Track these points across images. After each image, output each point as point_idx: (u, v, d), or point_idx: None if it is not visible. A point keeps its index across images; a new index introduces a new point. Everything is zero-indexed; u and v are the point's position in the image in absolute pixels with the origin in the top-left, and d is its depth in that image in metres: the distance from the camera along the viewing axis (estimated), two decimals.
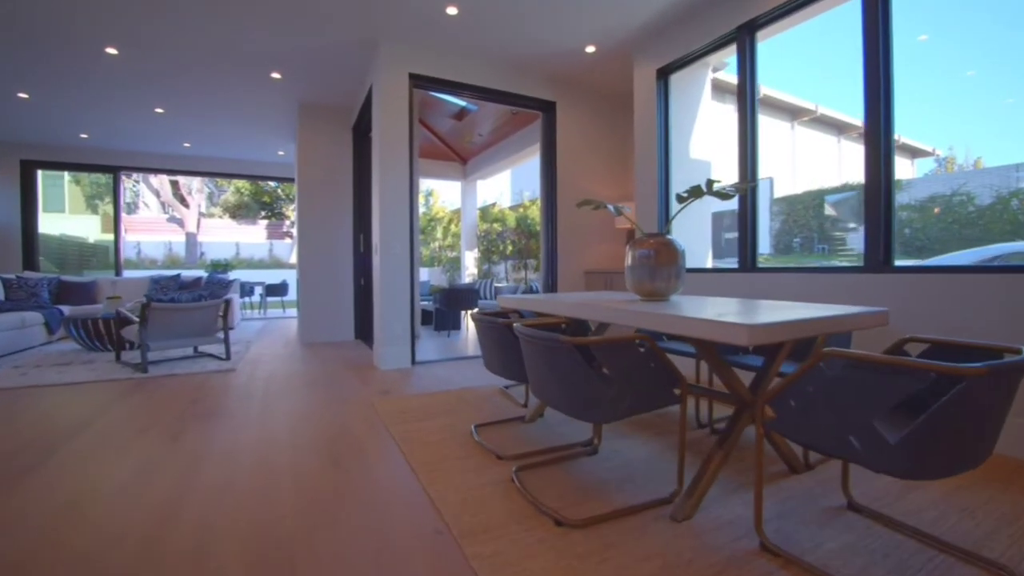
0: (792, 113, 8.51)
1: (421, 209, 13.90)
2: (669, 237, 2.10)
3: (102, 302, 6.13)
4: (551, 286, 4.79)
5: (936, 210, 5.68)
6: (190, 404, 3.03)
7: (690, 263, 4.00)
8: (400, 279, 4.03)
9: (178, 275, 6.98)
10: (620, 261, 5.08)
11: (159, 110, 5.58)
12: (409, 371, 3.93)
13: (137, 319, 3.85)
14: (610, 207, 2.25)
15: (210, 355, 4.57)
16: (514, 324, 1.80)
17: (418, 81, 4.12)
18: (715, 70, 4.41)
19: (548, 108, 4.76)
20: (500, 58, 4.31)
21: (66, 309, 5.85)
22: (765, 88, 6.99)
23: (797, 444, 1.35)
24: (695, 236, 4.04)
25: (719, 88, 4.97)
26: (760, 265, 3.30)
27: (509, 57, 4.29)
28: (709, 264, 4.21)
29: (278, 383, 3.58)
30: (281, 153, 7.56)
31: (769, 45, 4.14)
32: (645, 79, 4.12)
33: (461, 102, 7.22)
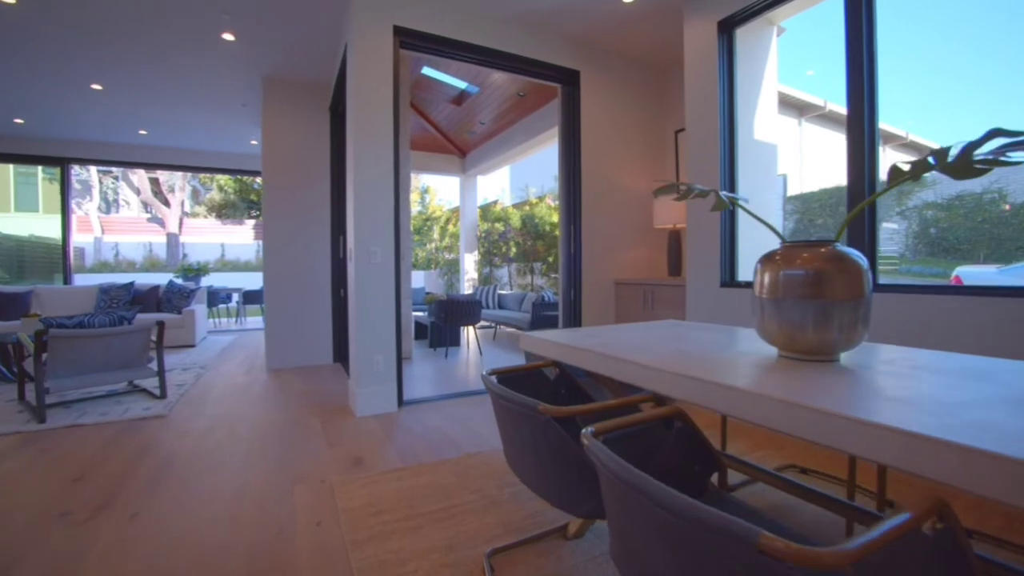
0: (799, 109, 7.91)
1: (416, 208, 12.93)
2: (843, 249, 1.16)
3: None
4: (574, 301, 3.84)
5: (1007, 207, 4.90)
6: (70, 486, 2.08)
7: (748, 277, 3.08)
8: (382, 295, 3.08)
9: (131, 283, 6.00)
10: (659, 269, 4.13)
11: (96, 86, 4.61)
12: (394, 418, 2.98)
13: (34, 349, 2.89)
14: (723, 195, 1.32)
15: (144, 391, 3.61)
16: (585, 433, 0.86)
17: (406, 38, 3.17)
18: (778, 33, 3.49)
19: (570, 79, 3.81)
20: (514, 11, 3.36)
21: None
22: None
23: None
24: (750, 237, 3.12)
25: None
26: (883, 282, 2.36)
27: (525, 10, 3.35)
28: None
29: (214, 443, 2.62)
30: (254, 143, 6.60)
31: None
32: (701, 35, 3.18)
33: (461, 84, 6.28)
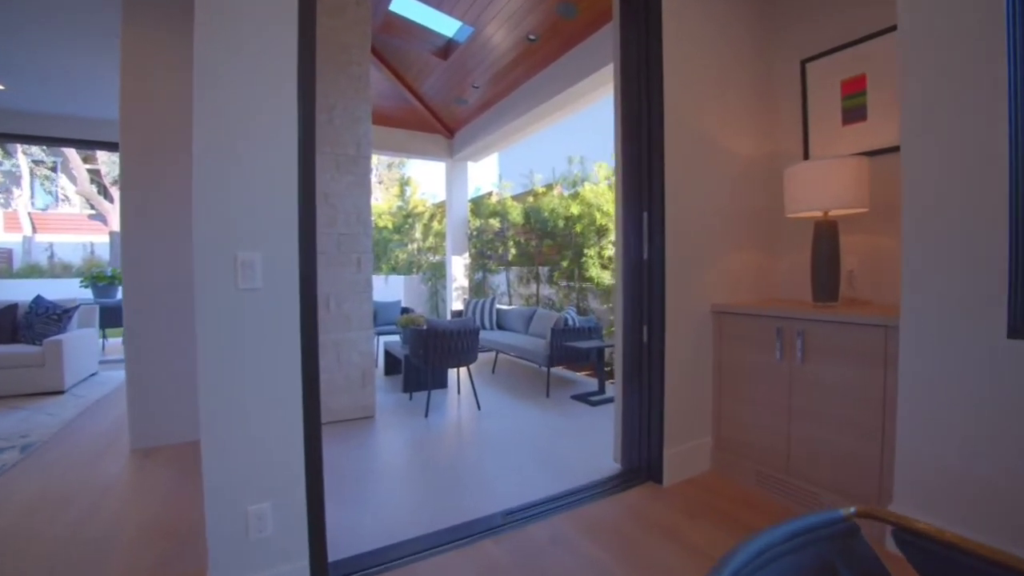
0: None
1: (396, 203, 11.18)
2: None
3: None
4: (649, 344, 2.19)
5: None
6: None
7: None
8: (272, 368, 1.40)
9: None
10: (788, 287, 2.51)
11: None
12: None
13: None
14: None
15: None
16: None
17: None
18: None
19: None
20: None
21: None
22: None
23: None
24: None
25: None
26: None
27: None
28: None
29: None
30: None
31: None
32: None
33: (448, 26, 4.61)
